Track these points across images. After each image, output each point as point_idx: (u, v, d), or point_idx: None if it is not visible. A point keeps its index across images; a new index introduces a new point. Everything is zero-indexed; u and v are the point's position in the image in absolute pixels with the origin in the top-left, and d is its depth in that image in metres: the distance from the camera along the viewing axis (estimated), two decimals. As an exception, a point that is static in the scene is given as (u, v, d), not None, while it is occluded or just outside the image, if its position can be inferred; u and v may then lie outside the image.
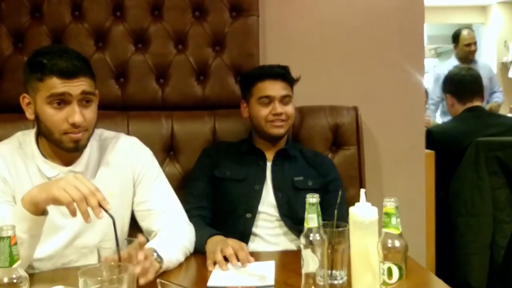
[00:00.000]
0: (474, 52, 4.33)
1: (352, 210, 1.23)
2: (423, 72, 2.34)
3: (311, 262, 1.16)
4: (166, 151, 2.02)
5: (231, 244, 1.48)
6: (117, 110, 2.04)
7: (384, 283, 1.10)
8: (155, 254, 1.37)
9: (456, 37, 4.35)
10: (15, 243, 1.04)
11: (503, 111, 4.70)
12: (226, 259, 1.45)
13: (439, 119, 4.16)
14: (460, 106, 2.75)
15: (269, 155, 1.87)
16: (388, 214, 1.10)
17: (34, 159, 1.51)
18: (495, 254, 2.35)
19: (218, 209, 1.83)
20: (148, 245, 1.38)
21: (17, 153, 1.51)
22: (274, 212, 1.79)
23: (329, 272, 1.26)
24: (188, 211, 1.68)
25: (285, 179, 1.83)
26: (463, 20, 7.38)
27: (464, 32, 4.32)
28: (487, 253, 2.35)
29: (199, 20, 2.11)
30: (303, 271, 1.18)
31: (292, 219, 1.77)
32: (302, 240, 1.17)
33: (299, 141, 2.06)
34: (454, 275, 2.41)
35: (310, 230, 1.16)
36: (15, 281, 1.03)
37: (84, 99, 1.45)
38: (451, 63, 4.23)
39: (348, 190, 2.01)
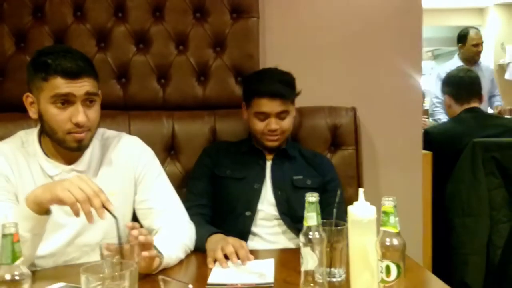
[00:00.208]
0: (480, 52, 4.24)
1: (350, 209, 1.24)
2: (420, 74, 2.35)
3: (310, 260, 1.17)
4: (167, 151, 2.04)
5: (232, 242, 1.50)
6: (119, 110, 2.05)
7: (383, 281, 1.11)
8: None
9: (463, 37, 4.22)
10: (18, 240, 1.04)
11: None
12: (226, 257, 1.46)
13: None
14: (458, 107, 2.76)
15: (269, 155, 1.89)
16: (386, 213, 1.11)
17: (36, 157, 1.52)
18: (491, 254, 2.35)
19: (218, 207, 1.84)
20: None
21: (19, 152, 1.52)
22: (273, 210, 1.80)
23: (328, 270, 1.27)
24: (188, 209, 1.69)
25: (285, 178, 1.84)
26: (460, 23, 7.39)
27: (472, 32, 4.20)
28: (484, 253, 2.35)
29: (200, 22, 2.13)
30: (302, 269, 1.19)
31: (291, 217, 1.78)
32: (301, 238, 1.18)
33: (298, 141, 2.08)
34: (451, 275, 2.42)
35: (309, 228, 1.18)
36: (17, 278, 1.03)
37: (88, 100, 1.46)
38: (454, 64, 4.14)
39: (346, 189, 2.02)
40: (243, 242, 1.54)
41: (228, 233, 1.61)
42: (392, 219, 1.11)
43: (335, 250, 1.30)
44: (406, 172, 2.32)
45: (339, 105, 2.17)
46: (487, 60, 6.81)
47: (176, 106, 2.11)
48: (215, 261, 1.47)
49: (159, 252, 1.39)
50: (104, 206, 1.25)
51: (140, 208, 1.63)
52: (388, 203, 1.11)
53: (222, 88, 2.14)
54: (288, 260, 1.48)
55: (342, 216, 1.31)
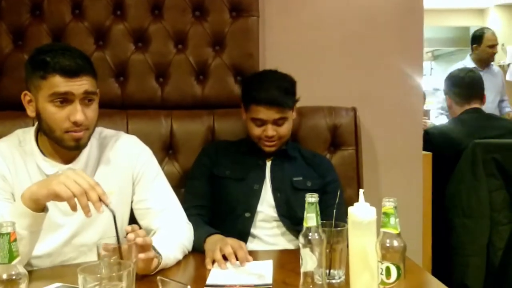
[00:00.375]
0: (495, 54, 4.16)
1: (351, 210, 1.23)
2: (421, 74, 2.35)
3: (309, 261, 1.17)
4: (165, 150, 2.03)
5: (230, 243, 1.49)
6: (117, 109, 2.04)
7: (382, 282, 1.10)
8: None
9: (479, 38, 4.12)
10: (15, 240, 1.04)
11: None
12: (225, 258, 1.46)
13: None
14: (458, 108, 2.75)
15: (269, 155, 1.87)
16: (387, 214, 1.10)
17: (33, 156, 1.51)
18: (492, 256, 2.35)
19: (217, 208, 1.83)
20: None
21: (16, 151, 1.52)
22: (273, 212, 1.79)
23: (327, 271, 1.27)
24: (186, 210, 1.68)
25: (284, 179, 1.83)
26: (461, 23, 7.40)
27: (488, 33, 4.12)
28: (484, 254, 2.35)
29: (199, 20, 2.12)
30: (302, 270, 1.18)
31: (291, 219, 1.77)
32: (301, 239, 1.17)
33: (297, 141, 2.07)
34: (451, 277, 2.41)
35: (309, 229, 1.17)
36: (14, 277, 1.03)
37: (86, 98, 1.46)
38: (466, 64, 4.06)
39: (346, 190, 2.01)
40: (242, 243, 1.53)
41: (227, 234, 1.60)
42: (392, 220, 1.10)
43: (335, 251, 1.29)
44: (406, 173, 2.32)
45: (339, 105, 2.17)
46: (487, 61, 6.81)
47: (175, 105, 2.10)
48: (213, 262, 1.46)
49: (157, 252, 1.38)
50: (101, 200, 1.24)
51: (138, 208, 1.62)
52: (388, 204, 1.10)
53: (221, 87, 2.13)
54: (287, 261, 1.48)
55: (342, 217, 1.30)
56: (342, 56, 2.29)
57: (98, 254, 1.21)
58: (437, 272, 2.29)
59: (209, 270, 1.43)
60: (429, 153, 2.43)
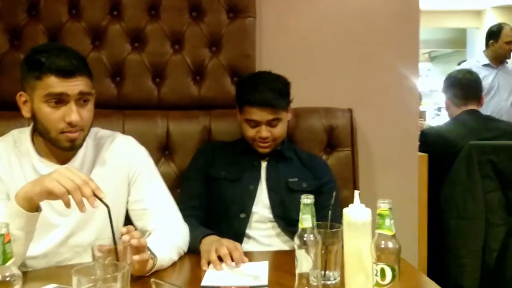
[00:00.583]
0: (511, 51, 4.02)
1: (346, 211, 1.23)
2: (417, 76, 2.35)
3: (304, 262, 1.17)
4: (161, 151, 2.02)
5: (226, 244, 1.49)
6: (113, 109, 2.04)
7: (377, 284, 1.10)
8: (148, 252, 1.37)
9: (496, 34, 3.97)
10: (9, 241, 1.04)
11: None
12: (220, 259, 1.45)
13: None
14: (455, 109, 2.76)
15: (264, 156, 1.87)
16: (382, 216, 1.10)
17: (29, 157, 1.51)
18: (487, 257, 2.35)
19: (212, 209, 1.82)
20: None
21: (12, 151, 1.51)
22: (268, 213, 1.79)
23: (323, 272, 1.27)
24: (182, 210, 1.68)
25: (279, 180, 1.83)
26: (458, 25, 7.42)
27: (507, 28, 3.96)
28: (479, 256, 2.35)
29: (196, 21, 2.12)
30: (297, 271, 1.18)
31: (286, 220, 1.77)
32: (296, 240, 1.17)
33: (293, 142, 2.06)
34: (446, 278, 2.42)
35: (304, 230, 1.17)
36: (8, 279, 1.03)
37: (82, 99, 1.45)
38: (480, 61, 3.96)
39: (342, 191, 2.01)
40: (237, 244, 1.52)
41: (223, 235, 1.60)
42: (387, 221, 1.10)
43: (330, 253, 1.29)
44: (402, 174, 2.32)
45: (335, 106, 2.17)
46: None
47: (171, 106, 2.10)
48: (209, 263, 1.46)
49: (152, 254, 1.37)
50: (95, 195, 1.24)
51: (134, 209, 1.62)
52: (383, 206, 1.10)
53: (218, 88, 2.13)
54: (282, 263, 1.47)
55: (338, 219, 1.30)
56: (338, 57, 2.29)
57: (93, 256, 1.21)
58: (432, 273, 2.30)
59: (205, 271, 1.42)
60: (425, 154, 2.43)
